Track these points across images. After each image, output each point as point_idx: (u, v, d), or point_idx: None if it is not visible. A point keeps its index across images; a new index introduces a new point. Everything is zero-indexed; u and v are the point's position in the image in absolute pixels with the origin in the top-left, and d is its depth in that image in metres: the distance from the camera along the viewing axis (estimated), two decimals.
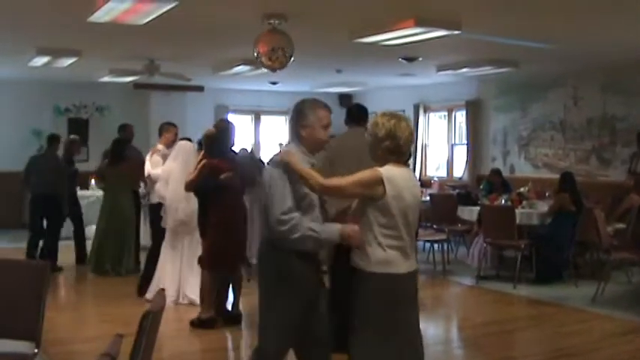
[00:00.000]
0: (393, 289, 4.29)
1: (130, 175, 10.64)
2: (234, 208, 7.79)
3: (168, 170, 8.99)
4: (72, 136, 12.96)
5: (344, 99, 17.91)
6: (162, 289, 3.86)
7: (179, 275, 8.98)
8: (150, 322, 3.23)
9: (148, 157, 9.82)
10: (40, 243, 11.26)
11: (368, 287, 4.31)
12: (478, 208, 11.10)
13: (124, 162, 10.68)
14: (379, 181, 4.22)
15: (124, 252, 10.78)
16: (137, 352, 3.18)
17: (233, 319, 8.02)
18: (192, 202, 8.49)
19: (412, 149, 4.56)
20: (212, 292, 7.91)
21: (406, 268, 4.32)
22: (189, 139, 9.53)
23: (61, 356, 6.65)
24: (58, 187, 11.12)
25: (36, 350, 4.50)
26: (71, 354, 6.89)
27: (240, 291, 8.19)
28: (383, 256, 4.26)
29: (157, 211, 9.18)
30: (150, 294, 8.95)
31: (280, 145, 17.12)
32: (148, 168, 9.65)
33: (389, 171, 4.28)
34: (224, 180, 7.56)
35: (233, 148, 8.35)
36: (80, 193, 12.92)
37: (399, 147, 4.33)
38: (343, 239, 4.32)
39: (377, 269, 4.27)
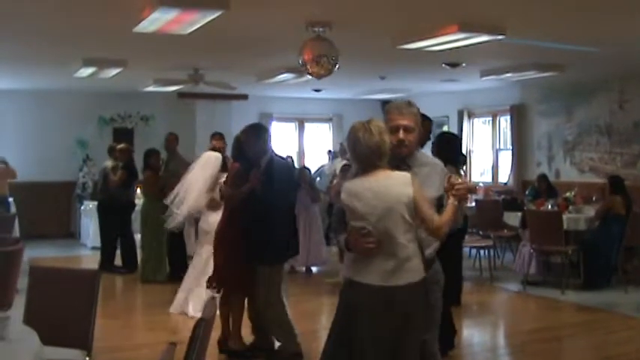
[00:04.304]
0: (349, 295, 4.22)
1: (145, 185, 10.97)
2: (220, 229, 7.00)
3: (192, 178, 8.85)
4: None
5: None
6: (214, 298, 3.88)
7: (188, 285, 8.69)
8: (202, 330, 3.26)
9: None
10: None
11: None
12: None
13: (146, 172, 11.05)
14: (338, 196, 4.28)
15: (150, 260, 10.82)
16: None
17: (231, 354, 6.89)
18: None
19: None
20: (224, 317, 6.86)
21: (371, 280, 4.10)
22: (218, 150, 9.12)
23: None
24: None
25: (87, 358, 4.55)
26: None
27: (235, 319, 6.87)
28: (347, 260, 4.30)
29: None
30: (175, 303, 8.85)
31: (329, 152, 17.16)
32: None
33: (349, 184, 4.24)
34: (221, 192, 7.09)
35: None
36: None
37: (359, 156, 4.19)
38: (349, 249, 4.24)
39: (343, 272, 4.36)
